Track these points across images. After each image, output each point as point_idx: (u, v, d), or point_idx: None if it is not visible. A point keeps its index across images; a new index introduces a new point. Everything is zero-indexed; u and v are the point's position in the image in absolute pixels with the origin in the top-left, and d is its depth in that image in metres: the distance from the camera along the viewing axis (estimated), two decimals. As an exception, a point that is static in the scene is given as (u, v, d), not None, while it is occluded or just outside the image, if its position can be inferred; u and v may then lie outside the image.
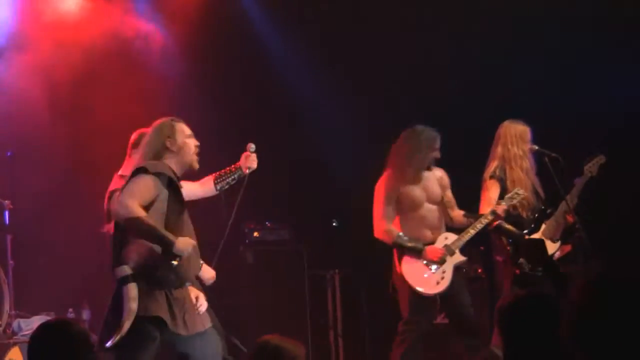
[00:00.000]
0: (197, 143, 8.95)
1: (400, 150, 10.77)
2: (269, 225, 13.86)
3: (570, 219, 10.53)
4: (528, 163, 10.67)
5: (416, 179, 10.69)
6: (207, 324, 8.81)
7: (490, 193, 10.63)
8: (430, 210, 10.73)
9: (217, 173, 9.62)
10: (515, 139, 10.72)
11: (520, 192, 10.46)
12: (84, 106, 13.71)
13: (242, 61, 14.53)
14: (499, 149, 10.73)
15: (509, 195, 10.46)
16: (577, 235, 10.62)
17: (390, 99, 14.09)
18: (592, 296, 4.04)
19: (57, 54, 13.84)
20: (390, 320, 11.36)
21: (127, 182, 8.58)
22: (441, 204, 10.82)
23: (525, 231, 10.68)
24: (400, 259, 10.56)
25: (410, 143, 10.73)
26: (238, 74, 14.42)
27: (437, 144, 10.72)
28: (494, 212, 10.42)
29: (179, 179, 8.88)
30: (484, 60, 13.59)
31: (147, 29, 14.49)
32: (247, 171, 9.50)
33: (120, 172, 9.66)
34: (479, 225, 10.54)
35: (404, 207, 10.66)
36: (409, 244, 10.49)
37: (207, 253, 9.52)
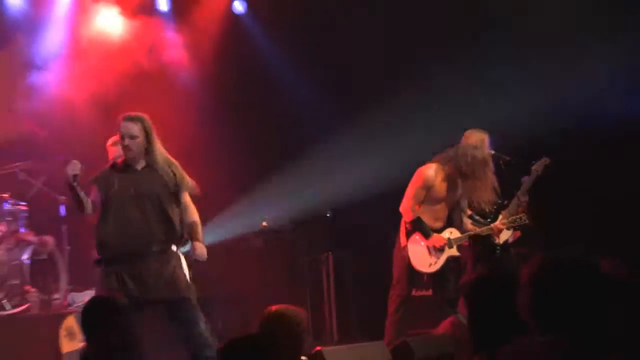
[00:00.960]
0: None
1: (452, 158, 10.78)
2: (274, 216, 13.68)
3: (520, 210, 10.71)
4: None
5: (449, 183, 10.78)
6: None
7: None
8: (444, 208, 10.87)
9: None
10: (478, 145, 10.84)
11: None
12: (123, 93, 13.61)
13: (249, 81, 14.21)
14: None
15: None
16: (523, 219, 10.75)
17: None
18: (542, 273, 4.30)
19: (101, 66, 13.89)
20: (373, 291, 11.81)
21: None
22: (457, 207, 10.93)
23: (488, 220, 10.86)
24: (408, 237, 10.76)
25: (464, 159, 10.65)
26: (245, 91, 14.19)
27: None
28: (495, 228, 10.77)
29: None
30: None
31: (176, 52, 14.64)
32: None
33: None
34: (479, 232, 10.81)
35: (429, 199, 10.78)
36: (424, 227, 10.68)
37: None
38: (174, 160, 9.42)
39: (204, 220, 9.64)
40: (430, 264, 10.75)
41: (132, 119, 9.07)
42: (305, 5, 13.72)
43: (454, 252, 10.82)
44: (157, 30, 14.77)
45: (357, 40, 13.24)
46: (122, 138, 9.03)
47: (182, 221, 9.26)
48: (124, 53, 14.11)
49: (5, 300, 11.95)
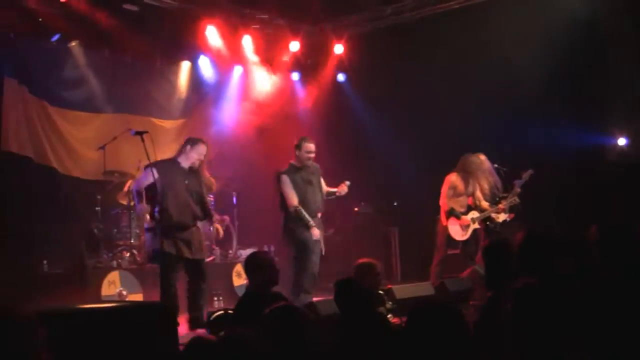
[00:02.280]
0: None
1: (464, 167, 10.79)
2: (362, 204, 13.71)
3: (514, 201, 10.59)
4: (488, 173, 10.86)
5: (465, 182, 10.72)
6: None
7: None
8: (465, 199, 10.76)
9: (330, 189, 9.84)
10: (478, 163, 10.79)
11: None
12: (271, 138, 13.66)
13: (346, 122, 14.20)
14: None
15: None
16: (516, 209, 10.72)
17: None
18: (525, 239, 4.74)
19: (258, 108, 13.94)
20: (423, 250, 11.62)
21: None
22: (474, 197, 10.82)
23: (493, 205, 10.66)
24: (447, 218, 10.66)
25: (471, 166, 10.75)
26: (343, 129, 14.19)
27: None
28: (499, 208, 10.66)
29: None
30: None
31: (303, 103, 14.75)
32: (338, 194, 9.82)
33: None
34: (490, 212, 10.69)
35: (455, 194, 10.70)
36: (456, 213, 10.63)
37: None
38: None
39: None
40: (462, 235, 10.69)
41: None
42: (384, 75, 13.46)
43: (476, 226, 10.71)
44: (292, 88, 14.88)
45: (428, 94, 12.85)
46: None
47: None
48: (273, 100, 14.11)
49: None
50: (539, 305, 3.40)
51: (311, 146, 9.59)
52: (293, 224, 9.47)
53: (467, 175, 10.81)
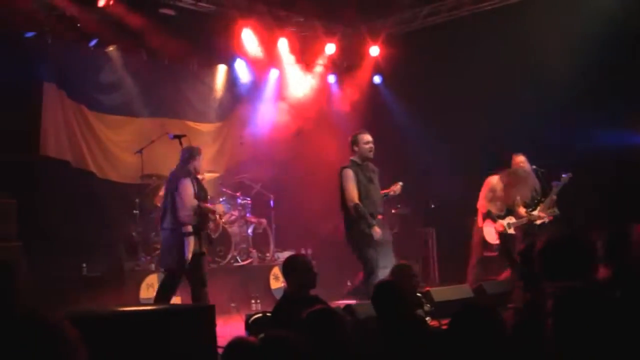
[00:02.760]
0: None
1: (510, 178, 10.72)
2: (399, 207, 13.42)
3: (553, 212, 10.46)
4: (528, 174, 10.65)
5: (505, 188, 10.62)
6: None
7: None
8: (503, 203, 10.68)
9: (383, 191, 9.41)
10: (517, 164, 10.67)
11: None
12: (307, 141, 13.80)
13: (382, 122, 13.73)
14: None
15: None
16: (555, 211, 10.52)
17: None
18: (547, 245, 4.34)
19: (297, 110, 14.12)
20: (459, 252, 11.47)
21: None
22: (513, 202, 10.68)
23: (530, 209, 10.55)
24: (484, 220, 10.64)
25: (517, 179, 10.64)
26: (380, 129, 12.82)
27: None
28: (536, 217, 10.48)
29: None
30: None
31: (341, 104, 14.69)
32: (392, 194, 9.46)
33: None
34: (526, 221, 10.54)
35: (494, 198, 10.66)
36: (492, 216, 10.59)
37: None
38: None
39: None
40: (497, 238, 10.63)
41: None
42: (420, 76, 13.35)
43: (511, 231, 10.60)
44: (329, 91, 14.88)
45: (464, 95, 12.79)
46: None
47: None
48: (309, 103, 14.25)
49: (238, 256, 12.06)
50: (581, 308, 3.36)
51: (367, 136, 9.28)
52: (356, 223, 9.01)
53: (510, 184, 10.73)
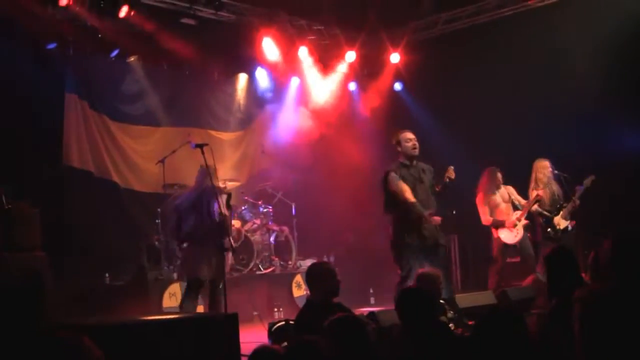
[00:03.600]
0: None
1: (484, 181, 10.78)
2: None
3: (574, 207, 10.40)
4: (548, 180, 10.57)
5: (493, 195, 10.63)
6: None
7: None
8: (507, 205, 10.65)
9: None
10: (541, 169, 10.64)
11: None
12: (329, 148, 13.80)
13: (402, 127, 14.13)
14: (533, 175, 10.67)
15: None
16: (578, 216, 10.51)
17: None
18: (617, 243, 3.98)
19: (318, 116, 14.16)
20: (479, 259, 11.60)
21: None
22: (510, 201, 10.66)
23: (553, 214, 10.44)
24: (497, 229, 10.55)
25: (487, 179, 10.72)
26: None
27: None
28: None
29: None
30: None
31: (362, 109, 14.71)
32: (449, 180, 8.94)
33: None
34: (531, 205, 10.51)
35: (491, 208, 10.61)
36: (498, 222, 10.50)
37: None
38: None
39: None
40: (515, 236, 10.48)
41: None
42: (441, 82, 13.36)
43: (523, 222, 10.51)
44: (350, 98, 14.82)
45: (485, 101, 12.73)
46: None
47: None
48: (330, 111, 14.26)
49: (260, 265, 12.01)
50: (611, 313, 3.30)
51: (408, 134, 9.04)
52: (405, 226, 8.77)
53: (491, 189, 10.75)
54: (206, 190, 8.96)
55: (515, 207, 10.76)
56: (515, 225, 10.55)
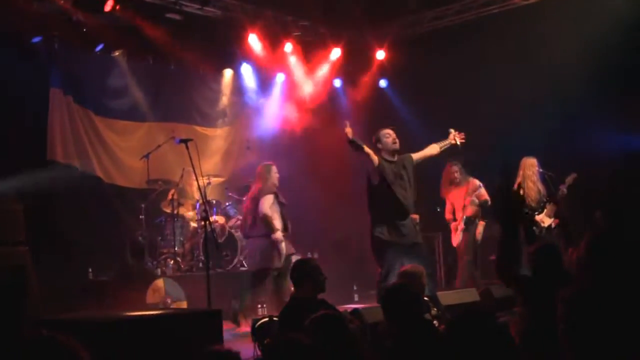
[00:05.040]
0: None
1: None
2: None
3: (558, 206, 10.40)
4: (535, 178, 10.53)
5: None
6: None
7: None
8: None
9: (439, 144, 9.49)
10: (529, 166, 10.55)
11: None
12: (313, 145, 13.78)
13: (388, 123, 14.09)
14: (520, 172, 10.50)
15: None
16: (561, 214, 10.43)
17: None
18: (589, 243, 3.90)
19: (303, 112, 14.13)
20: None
21: None
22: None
23: (536, 212, 10.42)
24: (456, 230, 11.01)
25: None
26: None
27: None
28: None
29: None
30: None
31: (347, 104, 14.74)
32: (452, 145, 9.47)
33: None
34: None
35: (451, 201, 11.03)
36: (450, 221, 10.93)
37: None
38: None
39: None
40: (457, 239, 11.05)
41: None
42: (426, 80, 13.33)
43: (461, 226, 10.97)
44: (335, 95, 14.84)
45: (471, 99, 12.84)
46: None
47: None
48: (315, 107, 14.23)
49: (243, 261, 11.71)
50: (598, 310, 3.32)
51: (386, 130, 9.16)
52: (383, 225, 8.93)
53: (444, 184, 11.22)
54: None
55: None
56: (456, 228, 10.87)
